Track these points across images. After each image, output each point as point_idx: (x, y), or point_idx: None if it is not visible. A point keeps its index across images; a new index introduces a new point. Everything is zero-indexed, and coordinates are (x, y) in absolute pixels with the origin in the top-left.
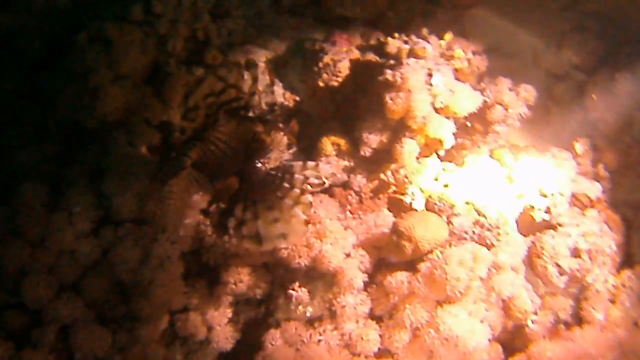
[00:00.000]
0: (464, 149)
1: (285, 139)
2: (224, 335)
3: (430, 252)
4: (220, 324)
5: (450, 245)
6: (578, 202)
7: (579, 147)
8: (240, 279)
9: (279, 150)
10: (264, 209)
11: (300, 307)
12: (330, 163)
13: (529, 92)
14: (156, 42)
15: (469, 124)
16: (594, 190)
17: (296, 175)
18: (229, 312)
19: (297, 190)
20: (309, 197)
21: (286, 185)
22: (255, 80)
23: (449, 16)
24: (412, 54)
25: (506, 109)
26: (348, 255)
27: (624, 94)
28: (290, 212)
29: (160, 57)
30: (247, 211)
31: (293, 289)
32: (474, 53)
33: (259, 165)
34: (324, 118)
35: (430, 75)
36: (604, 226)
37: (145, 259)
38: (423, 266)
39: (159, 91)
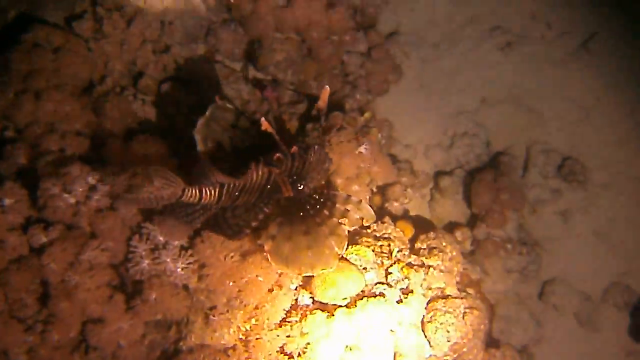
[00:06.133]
0: None
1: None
2: (132, 355)
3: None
4: (130, 342)
5: (362, 297)
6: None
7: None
8: (162, 298)
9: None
10: (299, 232)
11: (216, 334)
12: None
13: None
14: (97, 59)
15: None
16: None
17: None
18: (140, 331)
19: (335, 220)
20: (345, 231)
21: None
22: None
23: (364, 99)
24: (344, 120)
25: (405, 189)
26: (270, 290)
27: None
28: (325, 242)
29: (96, 75)
30: (283, 228)
31: (214, 315)
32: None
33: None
34: None
35: (358, 142)
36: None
37: (76, 261)
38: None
39: (94, 106)
